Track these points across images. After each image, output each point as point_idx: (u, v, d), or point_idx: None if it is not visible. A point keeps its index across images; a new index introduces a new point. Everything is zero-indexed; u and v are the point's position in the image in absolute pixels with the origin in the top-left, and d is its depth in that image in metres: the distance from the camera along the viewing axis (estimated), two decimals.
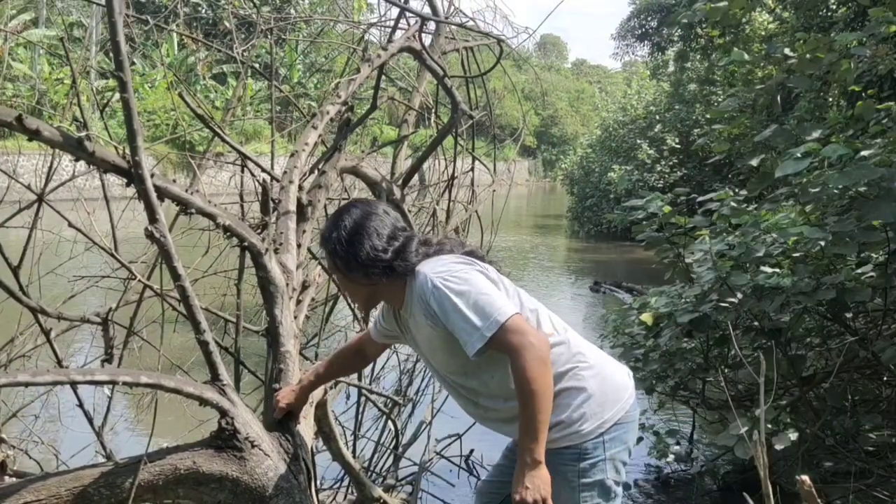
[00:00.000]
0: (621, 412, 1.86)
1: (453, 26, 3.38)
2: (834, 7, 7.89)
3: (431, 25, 3.19)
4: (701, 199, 3.92)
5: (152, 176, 1.51)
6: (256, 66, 5.16)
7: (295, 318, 1.94)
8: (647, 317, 3.86)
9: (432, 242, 1.97)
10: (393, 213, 1.96)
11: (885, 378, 3.65)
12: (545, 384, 1.70)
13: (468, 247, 1.98)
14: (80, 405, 2.66)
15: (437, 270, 1.82)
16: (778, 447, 3.03)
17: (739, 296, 3.35)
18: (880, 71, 3.78)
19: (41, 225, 2.55)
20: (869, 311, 3.73)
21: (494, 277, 1.84)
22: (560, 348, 1.84)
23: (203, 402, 1.58)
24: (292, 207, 2.09)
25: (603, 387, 1.84)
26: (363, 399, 3.40)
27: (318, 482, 2.23)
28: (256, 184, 2.09)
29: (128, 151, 1.50)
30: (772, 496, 1.41)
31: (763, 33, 9.92)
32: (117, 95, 1.47)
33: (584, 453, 1.81)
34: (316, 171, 2.43)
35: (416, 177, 3.29)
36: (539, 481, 1.70)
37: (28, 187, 2.51)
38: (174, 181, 1.62)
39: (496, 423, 1.95)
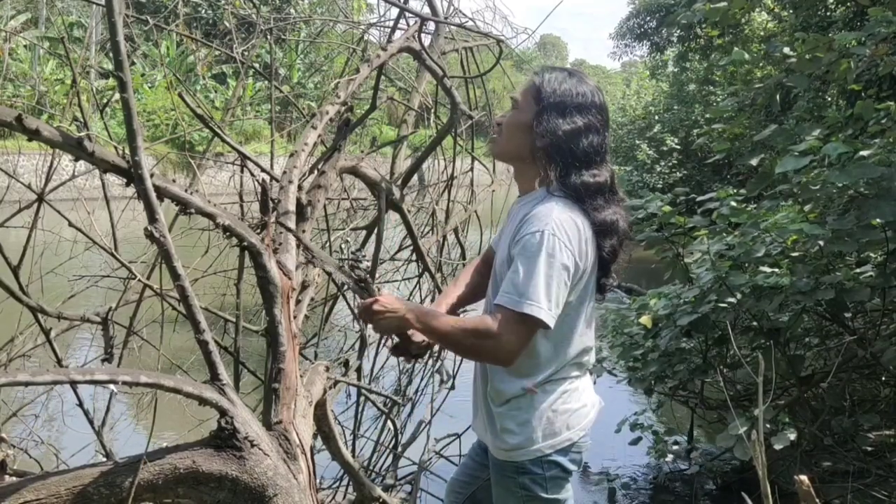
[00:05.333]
0: (567, 442, 1.81)
1: (453, 27, 3.38)
2: (833, 6, 7.90)
3: (431, 26, 3.20)
4: (700, 199, 3.93)
5: (152, 176, 1.52)
6: (256, 66, 5.17)
7: (295, 318, 1.94)
8: (645, 319, 3.86)
9: (610, 186, 1.80)
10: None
11: (883, 378, 3.66)
12: (460, 345, 1.78)
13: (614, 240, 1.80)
14: (80, 405, 2.67)
15: (564, 223, 1.69)
16: (777, 447, 3.03)
17: (738, 296, 3.35)
18: (880, 70, 3.78)
19: (41, 225, 2.55)
20: (868, 311, 3.74)
21: (573, 276, 1.72)
22: (551, 355, 1.80)
23: (202, 401, 1.58)
24: (292, 207, 2.09)
25: (552, 415, 1.80)
26: (362, 398, 3.41)
27: (318, 482, 2.23)
28: (256, 184, 2.09)
29: (127, 151, 1.50)
30: (770, 496, 1.41)
31: (762, 33, 9.93)
32: (117, 95, 1.48)
33: (522, 468, 1.81)
34: (315, 172, 2.43)
35: (415, 177, 3.29)
36: (385, 317, 1.75)
37: (28, 187, 2.51)
38: (174, 181, 1.62)
39: (477, 394, 1.93)
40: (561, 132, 1.73)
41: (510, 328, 1.67)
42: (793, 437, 3.04)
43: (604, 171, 1.79)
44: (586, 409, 1.87)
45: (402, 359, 1.92)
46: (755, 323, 3.58)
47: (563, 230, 1.68)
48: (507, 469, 1.83)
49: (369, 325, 1.79)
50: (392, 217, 3.01)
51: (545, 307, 1.65)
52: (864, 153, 2.99)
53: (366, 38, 4.18)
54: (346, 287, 1.85)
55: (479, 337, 1.70)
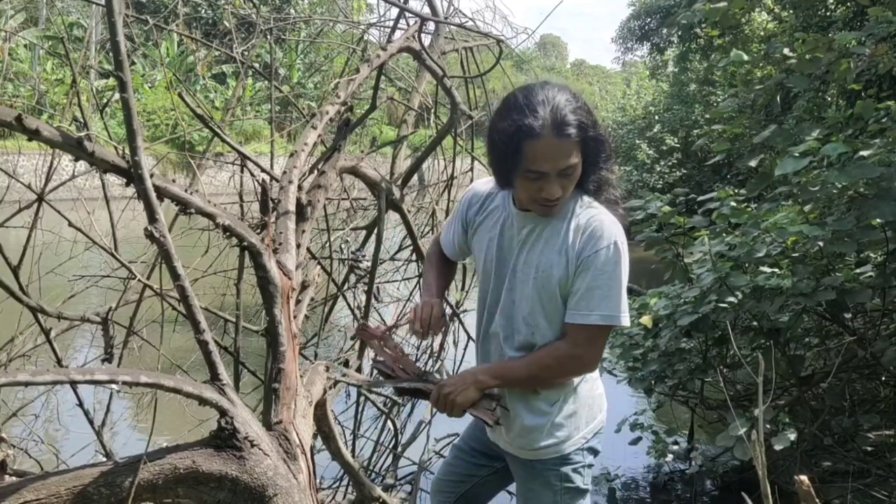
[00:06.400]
0: (600, 424, 1.92)
1: (453, 27, 3.39)
2: (832, 6, 7.90)
3: (431, 26, 3.20)
4: (700, 199, 3.93)
5: (152, 176, 1.52)
6: (256, 66, 5.17)
7: (295, 318, 1.94)
8: (646, 319, 3.86)
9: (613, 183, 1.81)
10: None
11: (883, 378, 3.66)
12: (545, 380, 1.79)
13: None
14: (80, 405, 2.67)
15: (617, 226, 1.71)
16: (777, 447, 3.03)
17: (739, 296, 3.35)
18: (880, 70, 3.78)
19: (41, 225, 2.55)
20: (868, 311, 3.74)
21: None
22: None
23: (202, 401, 1.58)
24: (292, 207, 2.09)
25: (591, 401, 1.89)
26: (362, 398, 3.41)
27: (318, 482, 2.23)
28: (256, 184, 2.09)
29: (127, 151, 1.50)
30: (770, 496, 1.41)
31: (762, 33, 9.92)
32: (117, 95, 1.48)
33: (566, 459, 1.85)
34: (315, 171, 2.43)
35: (415, 177, 3.29)
36: (462, 395, 1.75)
37: (28, 187, 2.52)
38: (174, 181, 1.61)
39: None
40: (608, 151, 1.72)
41: (595, 341, 1.74)
42: (793, 437, 3.04)
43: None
44: (603, 399, 1.96)
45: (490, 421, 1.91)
46: (755, 323, 3.58)
47: (621, 235, 1.71)
48: (550, 463, 1.85)
49: (453, 411, 1.80)
50: (392, 217, 3.01)
51: (627, 312, 1.71)
52: (864, 153, 2.99)
53: (366, 38, 4.19)
54: (408, 395, 1.86)
55: (564, 363, 1.76)
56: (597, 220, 1.71)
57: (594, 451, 1.90)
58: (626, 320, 1.70)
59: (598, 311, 1.68)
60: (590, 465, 1.90)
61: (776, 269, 3.36)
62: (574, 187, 1.74)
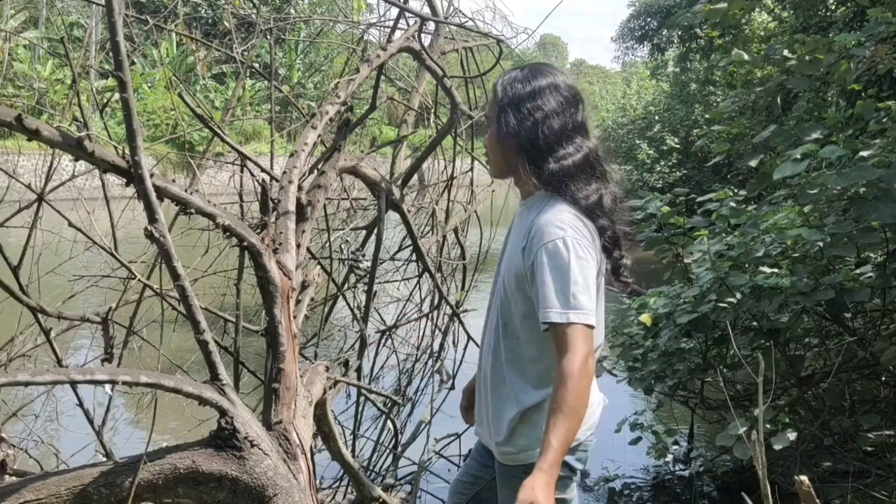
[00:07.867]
0: (574, 442, 1.77)
1: (453, 27, 3.39)
2: (833, 7, 7.90)
3: (431, 25, 3.20)
4: (700, 199, 3.93)
5: (152, 176, 1.52)
6: (256, 66, 5.17)
7: (294, 317, 1.94)
8: (645, 317, 3.86)
9: (586, 164, 1.76)
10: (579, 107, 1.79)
11: (883, 378, 3.66)
12: (576, 411, 1.61)
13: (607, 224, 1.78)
14: (80, 404, 2.67)
15: (575, 230, 1.67)
16: (776, 447, 3.03)
17: (738, 296, 3.35)
18: (880, 70, 3.78)
19: (41, 225, 2.55)
20: (867, 311, 3.74)
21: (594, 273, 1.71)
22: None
23: (202, 401, 1.58)
24: (292, 207, 2.09)
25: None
26: (362, 398, 3.41)
27: (318, 482, 2.23)
28: (256, 184, 2.09)
29: (127, 151, 1.50)
30: (770, 496, 1.41)
31: (762, 33, 9.92)
32: (117, 95, 1.48)
33: (531, 469, 1.74)
34: (315, 171, 2.44)
35: (415, 177, 3.29)
36: (537, 491, 1.59)
37: (28, 187, 2.52)
38: (174, 181, 1.62)
39: (483, 398, 1.89)
40: (518, 128, 1.73)
41: (566, 339, 1.63)
42: (793, 437, 3.04)
43: (572, 150, 1.75)
44: (592, 409, 1.86)
45: None
46: (755, 323, 3.58)
47: (577, 231, 1.67)
48: (516, 470, 1.81)
49: None
50: (392, 217, 3.02)
51: (589, 310, 1.63)
52: (863, 154, 2.99)
53: (366, 38, 4.19)
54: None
55: (563, 377, 1.62)
56: (540, 219, 1.70)
57: (566, 465, 1.75)
58: (580, 317, 1.61)
59: (550, 310, 1.63)
60: (561, 478, 1.73)
61: (776, 269, 3.36)
62: (532, 179, 1.75)
